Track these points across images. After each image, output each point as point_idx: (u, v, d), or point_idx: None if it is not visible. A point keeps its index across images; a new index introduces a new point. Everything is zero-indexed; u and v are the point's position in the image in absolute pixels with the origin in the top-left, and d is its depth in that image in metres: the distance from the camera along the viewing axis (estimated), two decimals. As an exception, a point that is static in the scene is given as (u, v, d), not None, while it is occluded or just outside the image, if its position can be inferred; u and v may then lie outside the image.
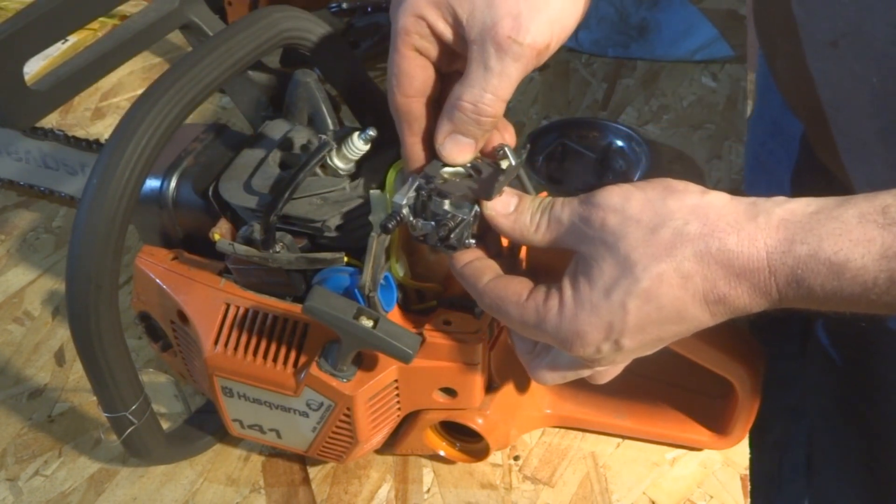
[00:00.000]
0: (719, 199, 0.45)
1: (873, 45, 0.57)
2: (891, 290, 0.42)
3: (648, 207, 0.45)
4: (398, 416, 0.62)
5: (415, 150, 0.54)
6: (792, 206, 0.44)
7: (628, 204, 0.46)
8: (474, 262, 0.53)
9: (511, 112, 1.06)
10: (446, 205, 0.51)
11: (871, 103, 0.59)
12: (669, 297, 0.45)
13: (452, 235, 0.51)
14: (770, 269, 0.43)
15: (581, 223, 0.47)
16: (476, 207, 0.51)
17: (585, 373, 0.53)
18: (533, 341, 0.53)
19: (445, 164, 0.53)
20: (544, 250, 0.51)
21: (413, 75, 0.52)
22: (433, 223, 0.52)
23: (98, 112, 1.09)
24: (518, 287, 0.50)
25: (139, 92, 0.67)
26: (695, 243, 0.44)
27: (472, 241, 0.52)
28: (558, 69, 1.12)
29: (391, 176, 0.57)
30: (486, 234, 0.54)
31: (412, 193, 0.52)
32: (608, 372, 0.54)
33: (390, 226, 0.52)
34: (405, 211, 0.52)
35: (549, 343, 0.50)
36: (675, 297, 0.45)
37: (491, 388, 0.63)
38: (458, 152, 0.52)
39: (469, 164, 0.53)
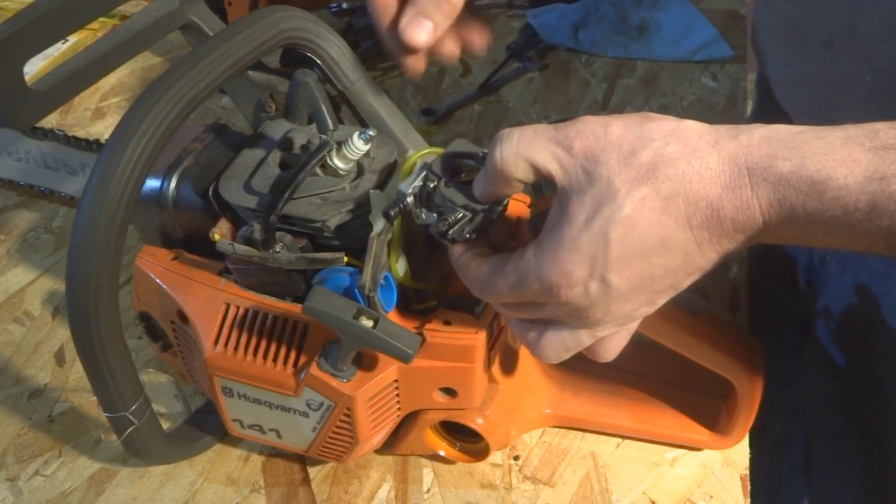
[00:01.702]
0: (697, 124, 0.45)
1: (866, 43, 0.58)
2: (871, 216, 0.40)
3: (628, 132, 0.45)
4: (398, 416, 0.62)
5: (392, 40, 0.59)
6: (776, 126, 0.43)
7: (609, 129, 0.45)
8: (468, 253, 0.53)
9: (511, 112, 1.06)
10: (450, 199, 0.51)
11: (866, 101, 0.60)
12: (652, 222, 0.43)
13: (452, 231, 0.51)
14: (752, 186, 0.42)
15: (563, 150, 0.46)
16: (479, 207, 0.51)
17: (587, 340, 0.51)
18: (529, 320, 0.52)
19: (452, 156, 0.53)
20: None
21: None
22: (436, 215, 0.52)
23: (98, 112, 1.09)
24: (498, 259, 0.50)
25: (139, 92, 0.67)
26: (676, 163, 0.43)
27: (473, 235, 0.52)
28: (558, 69, 1.12)
29: (408, 164, 0.56)
30: (489, 229, 0.54)
31: (418, 183, 0.52)
32: (611, 343, 0.52)
33: (392, 213, 0.52)
34: (409, 200, 0.52)
35: (539, 302, 0.49)
36: (657, 223, 0.43)
37: (490, 387, 0.63)
38: (417, 31, 0.57)
39: (481, 153, 0.53)
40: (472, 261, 0.52)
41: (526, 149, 0.47)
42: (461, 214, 0.51)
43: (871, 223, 0.41)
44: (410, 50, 0.59)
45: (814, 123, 0.62)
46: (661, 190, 0.43)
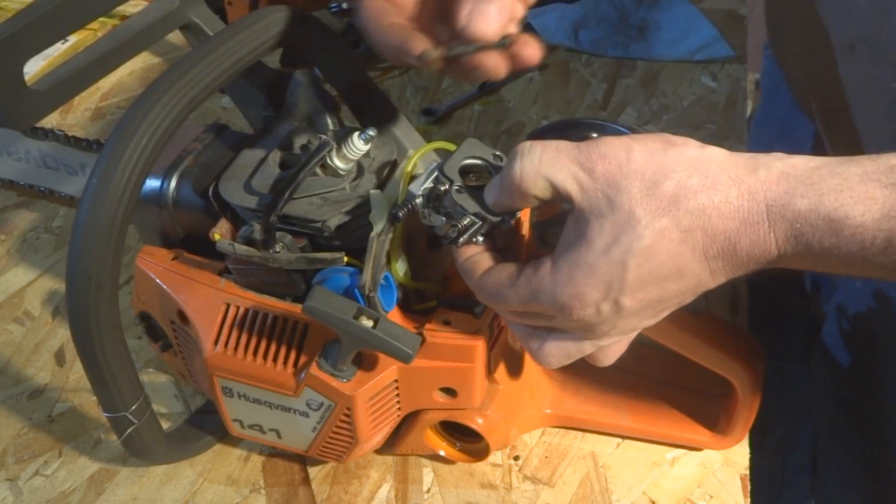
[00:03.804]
0: (718, 153, 0.45)
1: (891, 49, 0.57)
2: (887, 250, 0.41)
3: (651, 160, 0.45)
4: (398, 416, 0.62)
5: (391, 41, 0.51)
6: (793, 160, 0.44)
7: (631, 156, 0.45)
8: (474, 257, 0.52)
9: (511, 112, 1.06)
10: (461, 205, 0.51)
11: (888, 107, 0.59)
12: (670, 252, 0.44)
13: (462, 238, 0.51)
14: (770, 222, 0.43)
15: (584, 173, 0.46)
16: (491, 217, 0.51)
17: (589, 348, 0.51)
18: (533, 325, 0.53)
19: (466, 158, 0.52)
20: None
21: None
22: (444, 218, 0.52)
23: (98, 112, 1.09)
24: (510, 269, 0.50)
25: (139, 92, 0.67)
26: (697, 196, 0.43)
27: (481, 238, 0.52)
28: (558, 69, 1.12)
29: (412, 159, 0.56)
30: (496, 232, 0.54)
31: (429, 184, 0.52)
32: (611, 350, 0.52)
33: (400, 214, 0.52)
34: (418, 201, 0.52)
35: (548, 315, 0.49)
36: (675, 253, 0.44)
37: (490, 387, 0.63)
38: (486, 22, 0.49)
39: (492, 156, 0.53)
40: (478, 267, 0.52)
41: (547, 167, 0.46)
42: (470, 221, 0.51)
43: (887, 257, 0.41)
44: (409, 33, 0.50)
45: (834, 123, 0.61)
46: (681, 222, 0.44)
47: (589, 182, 0.45)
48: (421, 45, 0.50)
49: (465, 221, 0.51)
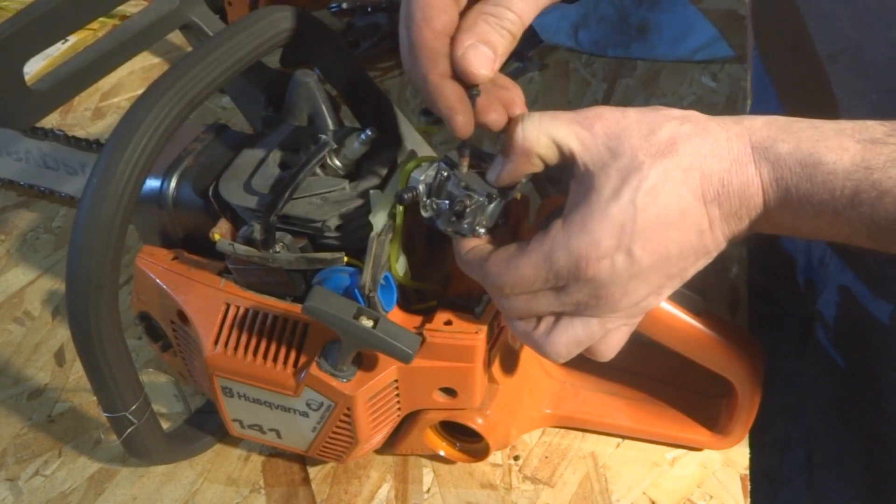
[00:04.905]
0: (701, 114, 0.49)
1: (873, 63, 0.58)
2: (854, 202, 0.43)
3: (644, 116, 0.48)
4: (398, 416, 0.62)
5: (445, 87, 0.50)
6: (774, 116, 0.47)
7: (626, 114, 0.49)
8: (477, 248, 0.53)
9: (511, 112, 1.06)
10: (465, 184, 0.52)
11: (871, 117, 0.59)
12: (673, 193, 0.46)
13: (467, 211, 0.51)
14: (755, 164, 0.46)
15: (584, 130, 0.48)
16: (495, 191, 0.51)
17: (597, 331, 0.52)
18: (535, 319, 0.53)
19: (467, 149, 0.53)
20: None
21: (442, 9, 0.50)
22: (447, 203, 0.52)
23: (98, 112, 1.09)
24: (517, 244, 0.51)
25: (139, 92, 0.67)
26: (692, 139, 0.47)
27: (483, 230, 0.52)
28: (558, 69, 1.12)
29: (409, 167, 0.56)
30: (498, 227, 0.54)
31: (431, 172, 0.53)
32: (614, 339, 0.53)
33: (406, 196, 0.53)
34: (422, 187, 0.53)
35: (560, 286, 0.49)
36: (678, 195, 0.46)
37: (490, 387, 0.63)
38: (480, 62, 0.49)
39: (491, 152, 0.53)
40: (482, 253, 0.52)
41: (548, 126, 0.49)
42: (474, 200, 0.51)
43: (853, 210, 0.44)
44: (461, 100, 0.50)
45: None
46: (681, 162, 0.46)
47: (589, 137, 0.48)
48: (460, 121, 0.50)
49: (472, 199, 0.51)
